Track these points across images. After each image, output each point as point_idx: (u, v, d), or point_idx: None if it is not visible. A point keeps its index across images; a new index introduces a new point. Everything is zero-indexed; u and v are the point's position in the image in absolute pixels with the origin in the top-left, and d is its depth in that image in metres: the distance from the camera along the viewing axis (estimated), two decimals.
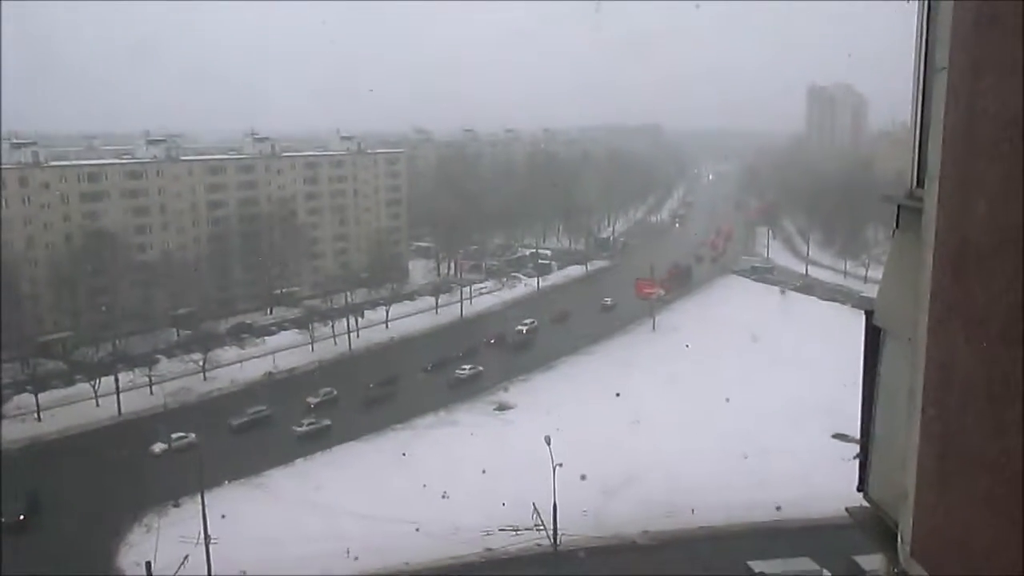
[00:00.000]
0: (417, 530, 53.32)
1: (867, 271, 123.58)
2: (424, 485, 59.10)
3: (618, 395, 76.94)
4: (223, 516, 52.80)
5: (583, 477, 57.42)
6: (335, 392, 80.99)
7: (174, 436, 67.94)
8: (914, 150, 4.84)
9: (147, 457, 67.30)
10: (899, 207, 4.95)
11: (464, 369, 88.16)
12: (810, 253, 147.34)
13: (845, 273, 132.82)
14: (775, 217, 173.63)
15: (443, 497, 57.60)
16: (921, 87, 4.67)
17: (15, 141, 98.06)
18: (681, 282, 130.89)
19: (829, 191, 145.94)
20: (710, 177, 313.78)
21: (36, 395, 75.66)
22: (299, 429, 72.81)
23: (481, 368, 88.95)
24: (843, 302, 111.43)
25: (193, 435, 67.15)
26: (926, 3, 4.54)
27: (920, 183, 4.65)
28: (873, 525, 5.17)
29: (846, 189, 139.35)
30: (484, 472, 60.58)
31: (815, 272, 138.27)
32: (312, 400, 79.02)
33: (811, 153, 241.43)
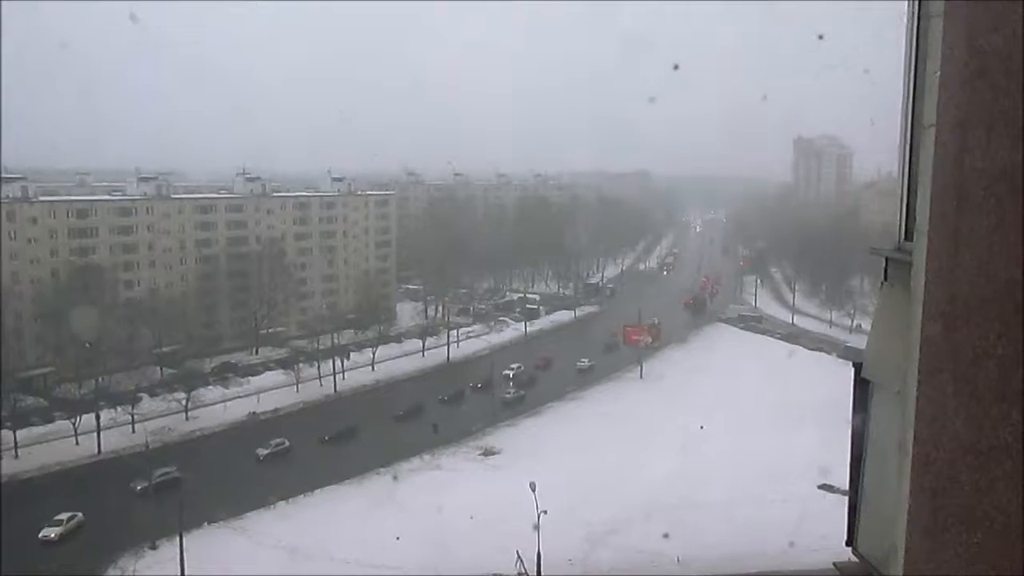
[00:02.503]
0: None
1: (852, 321, 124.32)
2: (405, 531, 58.22)
3: (605, 442, 76.37)
4: None
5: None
6: (287, 443, 77.65)
7: (64, 516, 59.89)
8: (901, 204, 4.88)
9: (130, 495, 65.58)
10: (887, 260, 4.97)
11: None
12: (796, 302, 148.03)
13: (831, 323, 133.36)
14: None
15: (425, 542, 56.71)
16: (908, 143, 4.73)
17: (5, 176, 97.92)
18: (697, 311, 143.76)
19: (815, 241, 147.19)
20: (697, 228, 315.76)
21: (15, 432, 74.44)
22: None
23: (466, 411, 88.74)
24: (829, 352, 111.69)
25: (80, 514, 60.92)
26: (912, 60, 4.61)
27: (908, 236, 4.68)
28: None
29: (832, 239, 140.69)
30: (468, 518, 59.72)
31: (801, 321, 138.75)
32: (262, 452, 75.92)
33: (797, 203, 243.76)
